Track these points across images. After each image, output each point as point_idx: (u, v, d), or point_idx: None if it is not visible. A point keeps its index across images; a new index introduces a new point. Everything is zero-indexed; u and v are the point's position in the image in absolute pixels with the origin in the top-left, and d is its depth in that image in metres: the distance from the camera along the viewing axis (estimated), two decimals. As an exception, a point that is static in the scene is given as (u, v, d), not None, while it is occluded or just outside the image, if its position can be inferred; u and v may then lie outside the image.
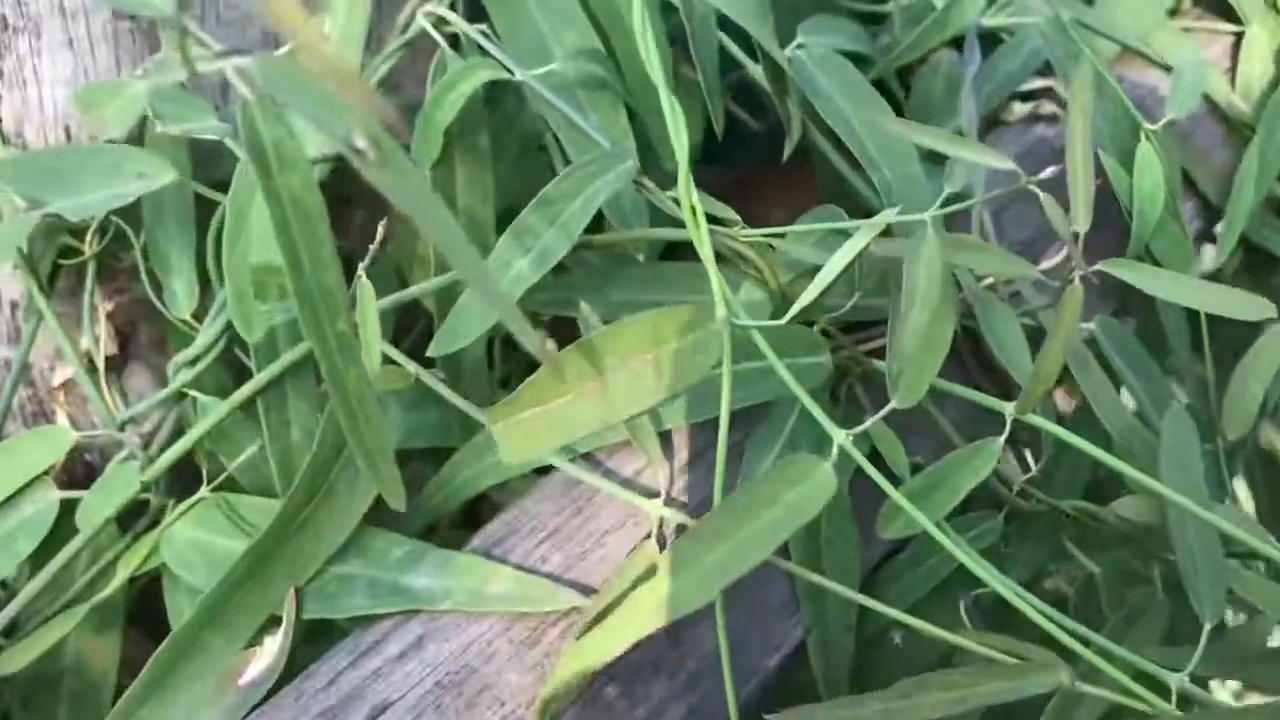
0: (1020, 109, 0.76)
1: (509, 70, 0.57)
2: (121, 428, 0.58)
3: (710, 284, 0.50)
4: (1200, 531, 0.50)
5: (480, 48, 0.59)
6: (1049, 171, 0.46)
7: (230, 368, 0.59)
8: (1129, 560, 0.57)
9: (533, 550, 0.50)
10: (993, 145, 0.75)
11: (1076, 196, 0.46)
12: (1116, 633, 0.53)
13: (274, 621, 0.51)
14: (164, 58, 0.50)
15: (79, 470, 0.64)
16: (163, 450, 0.57)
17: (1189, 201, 0.75)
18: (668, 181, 0.65)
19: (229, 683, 0.50)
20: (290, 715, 0.46)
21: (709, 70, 0.59)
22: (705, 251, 0.50)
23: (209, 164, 0.59)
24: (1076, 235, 0.47)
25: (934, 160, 0.74)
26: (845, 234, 0.60)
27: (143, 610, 0.60)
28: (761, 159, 0.88)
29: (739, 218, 0.54)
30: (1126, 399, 0.61)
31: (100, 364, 0.59)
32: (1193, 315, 0.69)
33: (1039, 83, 0.76)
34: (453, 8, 0.60)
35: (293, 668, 0.50)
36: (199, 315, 0.57)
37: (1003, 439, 0.51)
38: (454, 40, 0.61)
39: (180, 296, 0.56)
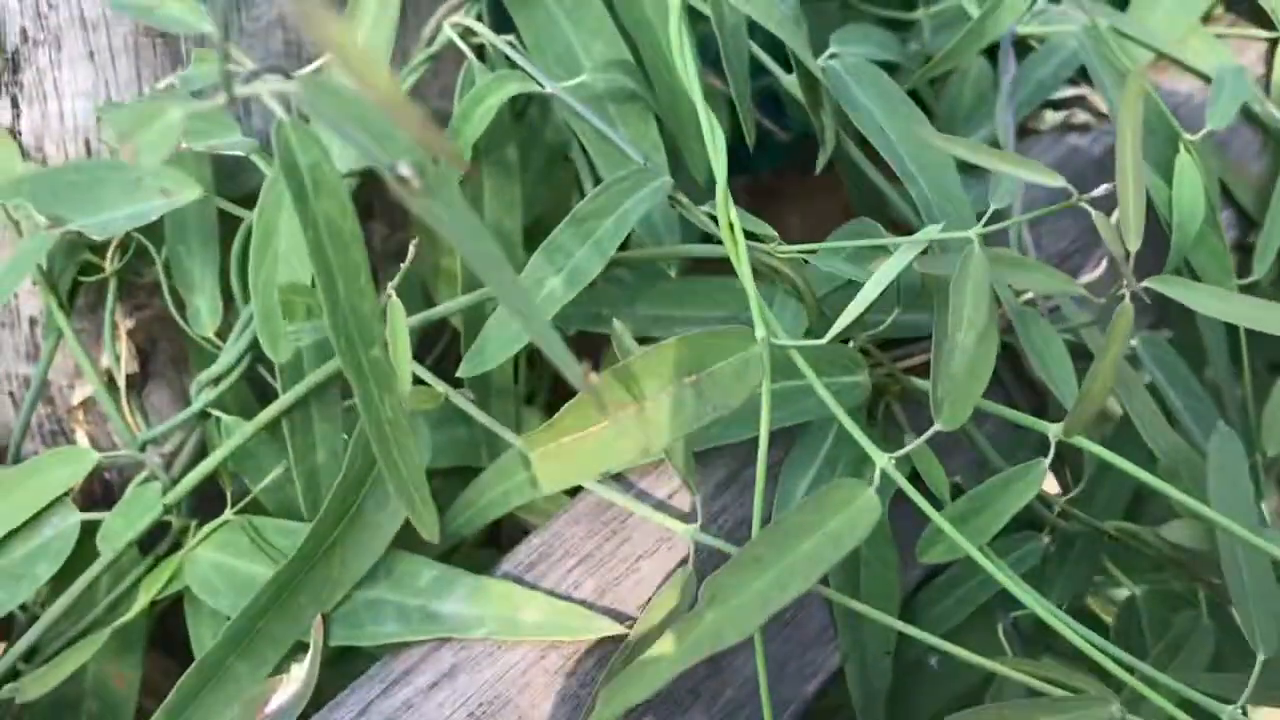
0: (1052, 117, 0.75)
1: (538, 83, 0.56)
2: (143, 448, 0.57)
3: (744, 299, 0.49)
4: (1252, 558, 0.48)
5: (508, 59, 0.58)
6: (1101, 189, 0.45)
7: (254, 386, 0.57)
8: (1171, 582, 0.56)
9: (565, 576, 0.49)
10: (1024, 155, 0.73)
11: (1127, 215, 0.45)
12: (1161, 660, 0.52)
13: (301, 648, 0.50)
14: (190, 73, 0.49)
15: (97, 489, 0.63)
16: (185, 471, 0.56)
17: (1225, 211, 0.74)
18: (697, 193, 0.64)
19: (255, 711, 0.49)
20: (320, 747, 0.45)
21: (740, 81, 0.58)
22: (744, 270, 0.48)
23: (232, 177, 0.58)
24: (1127, 253, 0.46)
25: (970, 171, 0.73)
26: (882, 248, 0.59)
27: (164, 631, 0.59)
28: (784, 165, 0.87)
29: (775, 233, 0.53)
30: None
31: (121, 382, 0.58)
32: (1232, 328, 0.67)
33: (1071, 91, 0.75)
34: (479, 18, 0.59)
35: (320, 696, 0.49)
36: (222, 333, 0.56)
37: (1047, 461, 0.49)
38: (479, 51, 0.59)
39: (204, 314, 0.55)
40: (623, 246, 0.55)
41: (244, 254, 0.54)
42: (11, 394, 0.63)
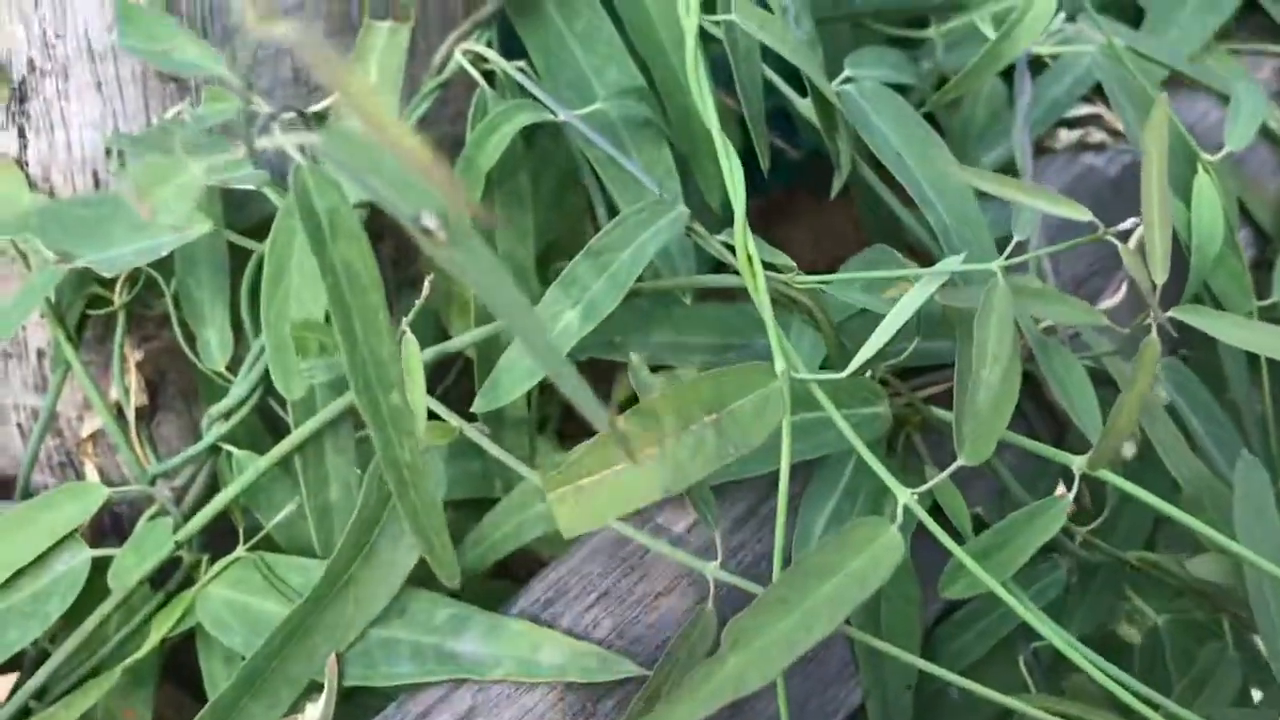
0: (1067, 136, 0.74)
1: (551, 111, 0.55)
2: (153, 482, 0.56)
3: (760, 325, 0.48)
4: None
5: (520, 86, 0.57)
6: (1129, 224, 0.44)
7: (265, 417, 0.57)
8: (1194, 611, 0.55)
9: (583, 614, 0.49)
10: (1040, 174, 0.73)
11: (1154, 247, 0.44)
12: (1187, 695, 0.51)
13: (315, 688, 0.49)
14: (203, 112, 0.48)
15: (106, 521, 0.63)
16: (195, 505, 0.55)
17: (1243, 229, 0.73)
18: (711, 218, 0.63)
19: (270, 752, 0.48)
20: (336, 791, 0.44)
21: (754, 106, 0.57)
22: (763, 301, 0.48)
23: (242, 207, 0.57)
24: (1154, 285, 0.45)
25: (987, 194, 0.73)
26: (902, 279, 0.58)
27: (175, 663, 0.58)
28: (794, 184, 0.86)
29: (792, 263, 0.52)
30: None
31: (130, 416, 0.57)
32: (1254, 353, 0.67)
33: (1086, 109, 0.74)
34: (489, 44, 0.58)
35: (335, 736, 0.48)
36: (232, 366, 0.56)
37: (1071, 495, 0.49)
38: (490, 77, 0.59)
39: (214, 347, 0.54)
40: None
41: (254, 287, 0.54)
42: (19, 425, 0.63)
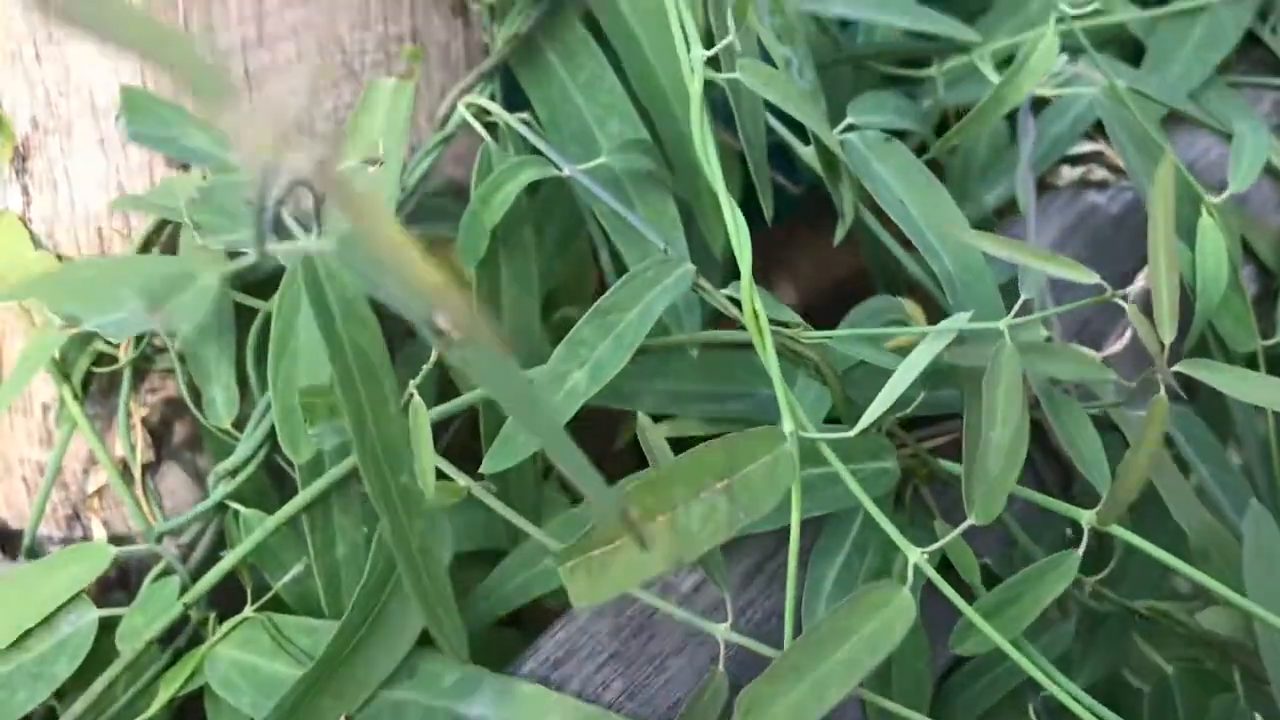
0: (1069, 173, 0.74)
1: (556, 166, 0.55)
2: (159, 539, 0.56)
3: (764, 375, 0.48)
4: (1292, 646, 0.47)
5: (523, 138, 0.57)
6: (1138, 284, 0.44)
7: (271, 473, 0.57)
8: (1205, 660, 0.55)
9: (593, 675, 0.48)
10: (1043, 211, 0.73)
11: (1161, 308, 0.44)
12: (1200, 747, 0.51)
13: (325, 751, 0.49)
14: (210, 185, 0.48)
15: (112, 574, 0.62)
16: (202, 563, 0.55)
17: (1246, 265, 0.73)
18: (715, 267, 0.63)
19: (280, 816, 0.48)
20: None
21: (757, 154, 0.57)
22: (770, 360, 0.48)
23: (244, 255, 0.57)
24: (1162, 345, 0.45)
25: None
26: (904, 324, 0.58)
27: (182, 717, 0.58)
28: (794, 217, 0.86)
29: (799, 318, 0.52)
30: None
31: (136, 473, 0.57)
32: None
33: (1088, 146, 0.74)
34: (492, 97, 0.58)
35: (346, 800, 0.48)
36: (239, 423, 0.55)
37: (1080, 550, 0.49)
38: (493, 129, 0.59)
39: (220, 405, 0.54)
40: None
41: (260, 343, 0.54)
42: (24, 478, 0.62)
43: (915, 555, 0.46)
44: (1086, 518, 0.49)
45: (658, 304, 0.49)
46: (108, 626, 0.54)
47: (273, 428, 0.52)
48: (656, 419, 0.60)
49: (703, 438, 0.59)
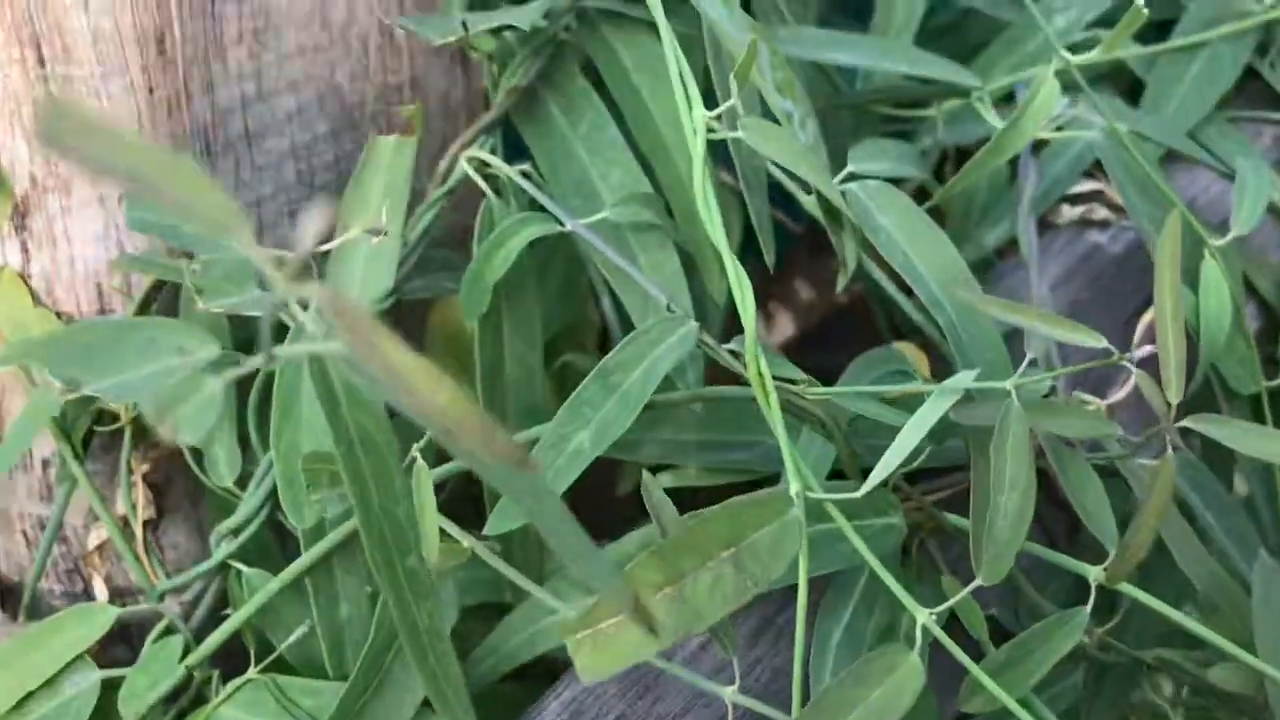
0: (1070, 212, 0.74)
1: (558, 220, 0.55)
2: (161, 598, 0.56)
3: (766, 425, 0.48)
4: (1303, 705, 0.47)
5: (524, 190, 0.57)
6: (1144, 351, 0.44)
7: (274, 529, 0.56)
8: (1215, 710, 0.55)
9: (601, 738, 0.48)
10: (1044, 250, 0.73)
11: (1168, 369, 0.44)
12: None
13: (331, 816, 0.49)
14: (209, 261, 0.48)
15: (114, 629, 0.62)
16: (205, 622, 0.55)
17: (1248, 302, 0.73)
18: (717, 313, 0.63)
19: None
20: None
21: (759, 205, 0.57)
22: (776, 421, 0.47)
23: (248, 321, 0.57)
24: (1169, 405, 0.45)
25: (987, 273, 0.72)
26: (907, 374, 0.58)
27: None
28: (793, 247, 0.86)
29: (803, 374, 0.52)
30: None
31: (138, 530, 0.57)
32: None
33: (1088, 185, 0.74)
34: (493, 151, 0.58)
35: None
36: (241, 481, 0.55)
37: (1089, 607, 0.48)
38: (495, 180, 0.59)
39: (222, 464, 0.54)
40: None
41: (262, 403, 0.53)
42: (24, 533, 0.62)
43: (923, 616, 0.45)
44: (1094, 574, 0.49)
45: (662, 363, 0.49)
46: (110, 686, 0.54)
47: (275, 487, 0.52)
48: (658, 468, 0.60)
49: (706, 488, 0.60)
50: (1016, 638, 0.48)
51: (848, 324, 0.94)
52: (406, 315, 0.62)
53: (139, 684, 0.52)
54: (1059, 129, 0.67)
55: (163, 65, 0.54)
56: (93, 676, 0.53)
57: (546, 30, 0.59)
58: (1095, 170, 0.74)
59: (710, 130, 0.49)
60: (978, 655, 0.49)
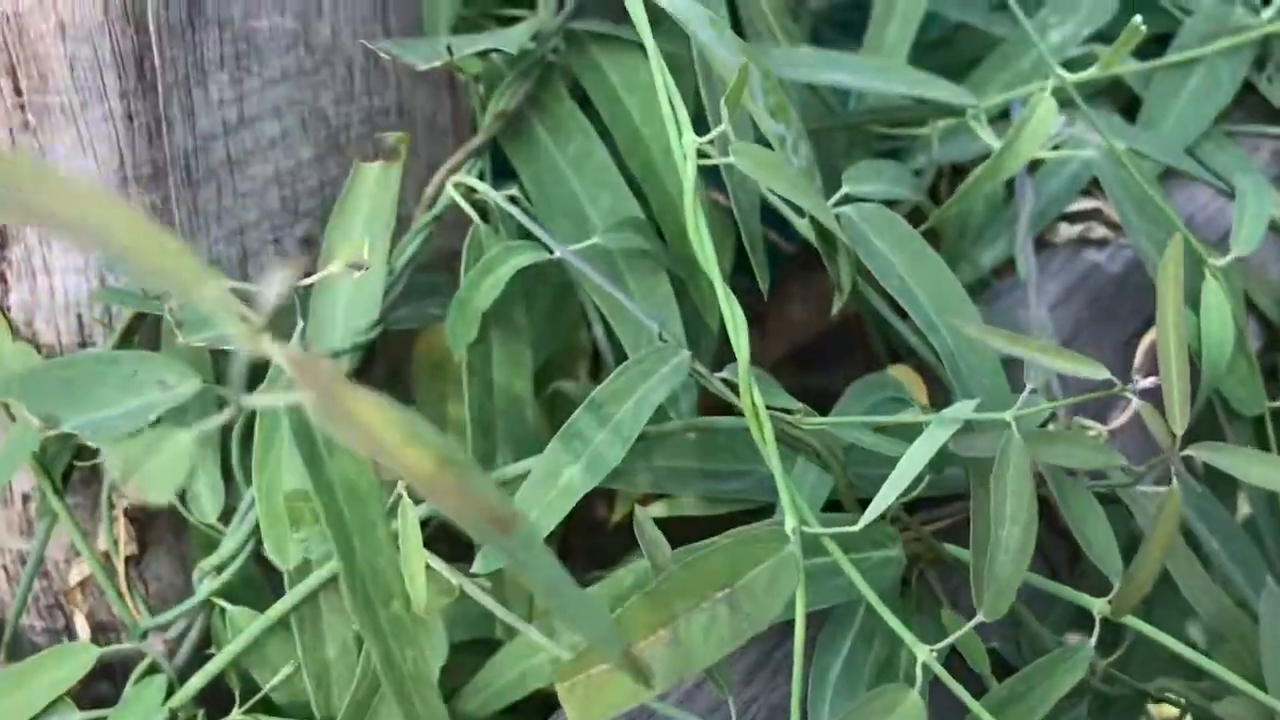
0: (1067, 231, 0.73)
1: (548, 248, 0.54)
2: (144, 635, 0.55)
3: (763, 457, 0.47)
4: (1313, 740, 0.46)
5: (511, 215, 0.56)
6: (1149, 382, 0.43)
7: (259, 561, 0.55)
8: (1222, 741, 0.54)
9: (595, 781, 0.47)
10: (1042, 269, 0.72)
11: (1172, 402, 0.43)
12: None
13: None
14: (194, 316, 0.47)
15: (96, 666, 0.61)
16: (189, 660, 0.54)
17: (1249, 320, 0.72)
18: (709, 337, 0.62)
19: None
20: None
21: (752, 231, 0.56)
22: (771, 453, 0.46)
23: (230, 352, 0.56)
24: (1174, 437, 0.44)
25: (981, 295, 0.71)
26: (903, 401, 0.57)
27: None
28: (787, 266, 0.85)
29: (798, 404, 0.51)
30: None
31: (120, 566, 0.56)
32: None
33: (1086, 203, 0.73)
34: (481, 176, 0.57)
35: None
36: (224, 516, 0.54)
37: (1093, 641, 0.47)
38: (483, 209, 0.57)
39: (205, 501, 0.53)
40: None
41: (244, 438, 0.52)
42: (4, 568, 0.61)
43: (924, 654, 0.44)
44: (1098, 606, 0.48)
45: (655, 395, 0.48)
46: (90, 727, 0.52)
47: (258, 524, 0.51)
48: (654, 499, 0.58)
49: (701, 518, 0.59)
50: (1019, 673, 0.47)
51: (842, 341, 0.93)
52: (392, 342, 0.61)
53: (121, 726, 0.51)
54: (1055, 148, 0.66)
55: (142, 92, 0.53)
56: (73, 719, 0.52)
57: (534, 52, 0.58)
58: (1093, 187, 0.73)
59: (702, 155, 0.48)
60: (979, 689, 0.48)
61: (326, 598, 0.50)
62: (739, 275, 0.66)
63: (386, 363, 0.66)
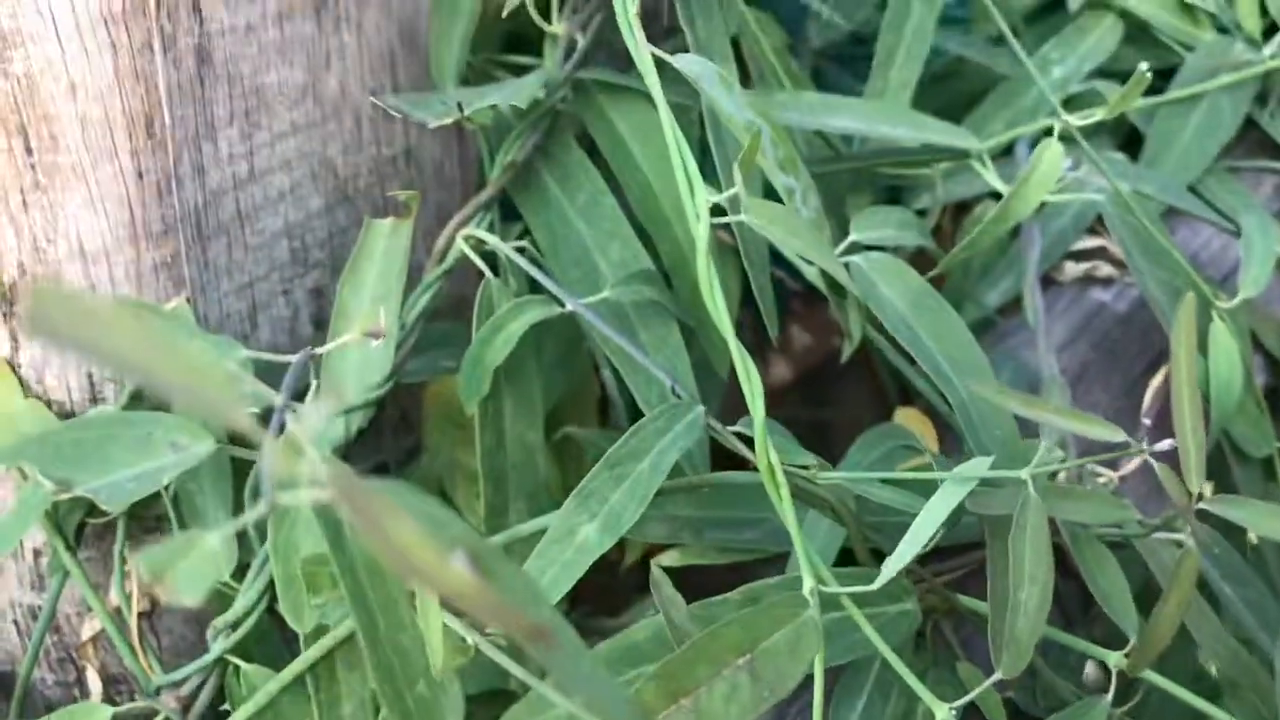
0: (1073, 269, 0.73)
1: (559, 301, 0.54)
2: (157, 692, 0.54)
3: (777, 508, 0.47)
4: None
5: (521, 266, 0.56)
6: (1166, 444, 0.43)
7: (273, 616, 0.55)
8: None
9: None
10: (1049, 309, 0.72)
11: (1188, 459, 0.43)
12: None
13: None
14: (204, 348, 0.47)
15: None
16: (203, 718, 0.54)
17: (1255, 356, 0.72)
18: (718, 385, 0.62)
19: None
20: None
21: (762, 283, 0.56)
22: (788, 511, 0.46)
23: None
24: (1189, 495, 0.44)
25: (986, 333, 0.72)
26: (914, 449, 0.57)
27: None
28: (791, 296, 0.85)
29: (813, 459, 0.51)
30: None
31: (132, 622, 0.56)
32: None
33: (1091, 242, 0.73)
34: (490, 227, 0.57)
35: None
36: (238, 572, 0.54)
37: (1109, 697, 0.47)
38: (493, 260, 0.58)
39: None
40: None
41: (258, 494, 0.52)
42: (16, 622, 0.61)
43: (943, 712, 0.44)
44: (1114, 660, 0.48)
45: (669, 453, 0.48)
46: (104, 785, 0.52)
47: (272, 579, 0.51)
48: (667, 549, 0.58)
49: (713, 567, 0.59)
50: (1038, 728, 0.47)
51: (846, 368, 0.94)
52: (402, 388, 0.61)
53: (135, 788, 0.51)
54: (1060, 188, 0.66)
55: (152, 149, 0.53)
56: (88, 780, 0.52)
57: (543, 103, 0.59)
58: (1098, 225, 0.74)
59: (714, 212, 0.48)
60: (997, 744, 0.48)
61: (342, 656, 0.50)
62: (743, 308, 0.67)
63: (396, 408, 0.66)
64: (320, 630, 0.50)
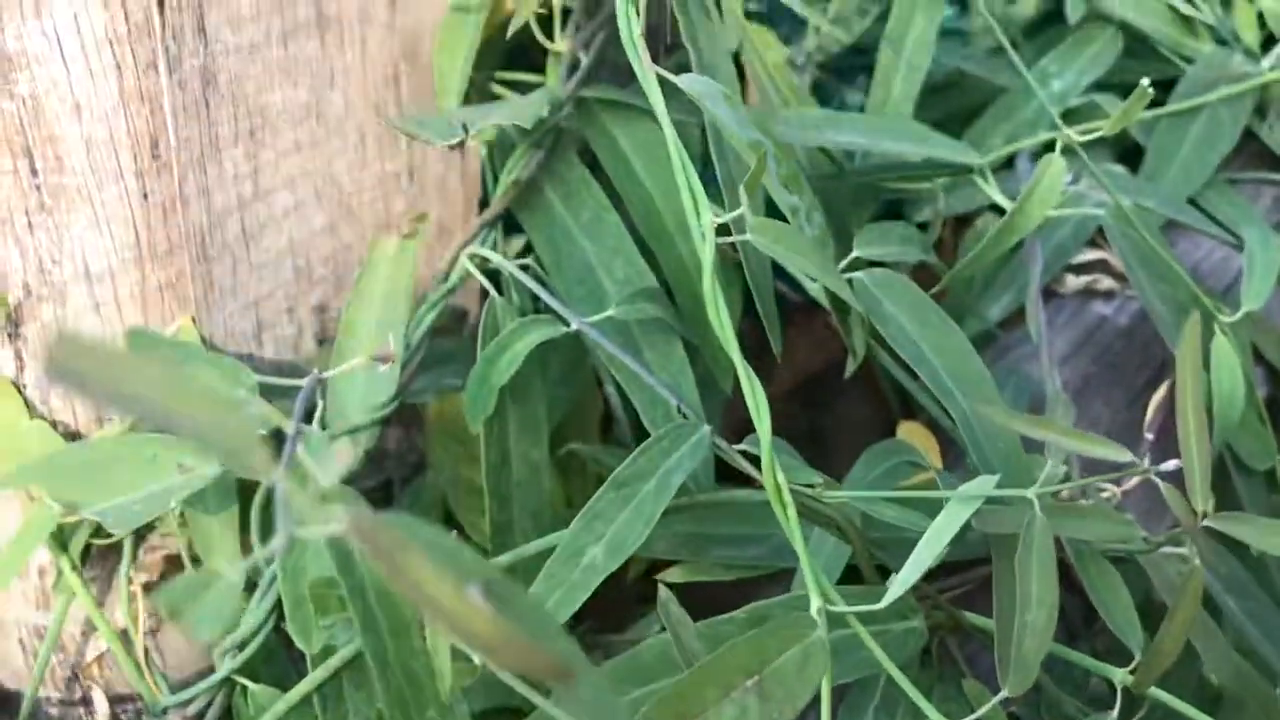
0: (1074, 282, 0.73)
1: (564, 321, 0.54)
2: (164, 712, 0.55)
3: (783, 526, 0.47)
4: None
5: (525, 284, 0.56)
6: (1171, 465, 0.43)
7: (280, 634, 0.55)
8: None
9: None
10: (1051, 322, 0.72)
11: (1194, 479, 0.43)
12: None
13: None
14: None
15: (115, 737, 0.61)
16: (210, 737, 0.54)
17: (1257, 368, 0.72)
18: (721, 400, 0.62)
19: None
20: None
21: (766, 301, 0.56)
22: (794, 530, 0.46)
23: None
24: (1195, 513, 0.44)
25: (992, 353, 0.72)
26: (918, 464, 0.57)
27: None
28: (792, 304, 0.85)
29: (819, 477, 0.51)
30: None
31: (138, 641, 0.56)
32: None
33: (1091, 254, 0.74)
34: (494, 246, 0.57)
35: None
36: (246, 587, 0.54)
37: (1114, 713, 0.48)
38: (497, 278, 0.58)
39: (224, 578, 0.53)
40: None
41: (264, 513, 0.52)
42: (21, 641, 0.61)
43: (949, 730, 0.44)
44: (1120, 677, 0.48)
45: (676, 474, 0.48)
46: (112, 806, 0.52)
47: (279, 599, 0.51)
48: (671, 565, 0.59)
49: (719, 583, 0.59)
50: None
51: (846, 380, 0.94)
52: (407, 408, 0.61)
53: (143, 808, 0.51)
54: (1061, 202, 0.66)
55: (157, 170, 0.53)
56: (95, 799, 0.52)
57: (547, 121, 0.59)
58: (1098, 237, 0.74)
59: (719, 231, 0.48)
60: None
61: (350, 676, 0.50)
62: (744, 318, 0.67)
63: (400, 425, 0.66)
64: (328, 650, 0.50)
